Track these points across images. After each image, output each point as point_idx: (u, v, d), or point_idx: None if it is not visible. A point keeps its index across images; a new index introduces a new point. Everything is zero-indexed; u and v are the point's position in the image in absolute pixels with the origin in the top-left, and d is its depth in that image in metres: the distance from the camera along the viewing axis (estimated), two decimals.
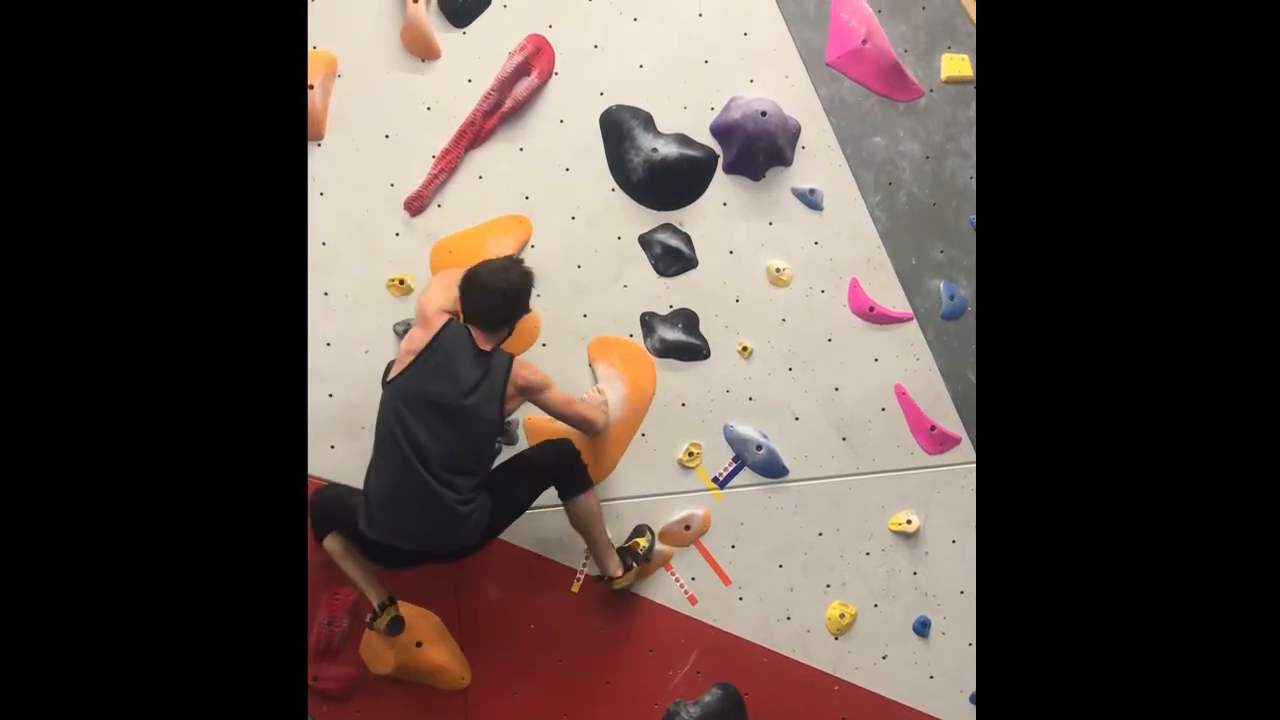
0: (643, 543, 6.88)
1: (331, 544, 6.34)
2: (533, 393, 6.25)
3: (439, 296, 6.23)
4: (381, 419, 6.08)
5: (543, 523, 6.86)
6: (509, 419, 6.54)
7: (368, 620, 6.39)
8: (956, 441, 7.21)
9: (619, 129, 6.87)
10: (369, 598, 6.39)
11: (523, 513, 6.52)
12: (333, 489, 6.53)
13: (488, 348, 6.11)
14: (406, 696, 6.75)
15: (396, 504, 6.02)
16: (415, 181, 6.67)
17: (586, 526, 6.59)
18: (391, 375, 6.07)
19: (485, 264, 6.18)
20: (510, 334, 6.29)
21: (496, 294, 6.09)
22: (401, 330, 6.62)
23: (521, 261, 6.36)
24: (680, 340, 6.98)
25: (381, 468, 6.07)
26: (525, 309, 6.30)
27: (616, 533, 6.92)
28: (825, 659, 7.23)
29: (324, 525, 6.38)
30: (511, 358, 6.19)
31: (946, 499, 7.23)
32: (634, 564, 6.75)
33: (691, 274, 6.99)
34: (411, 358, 6.02)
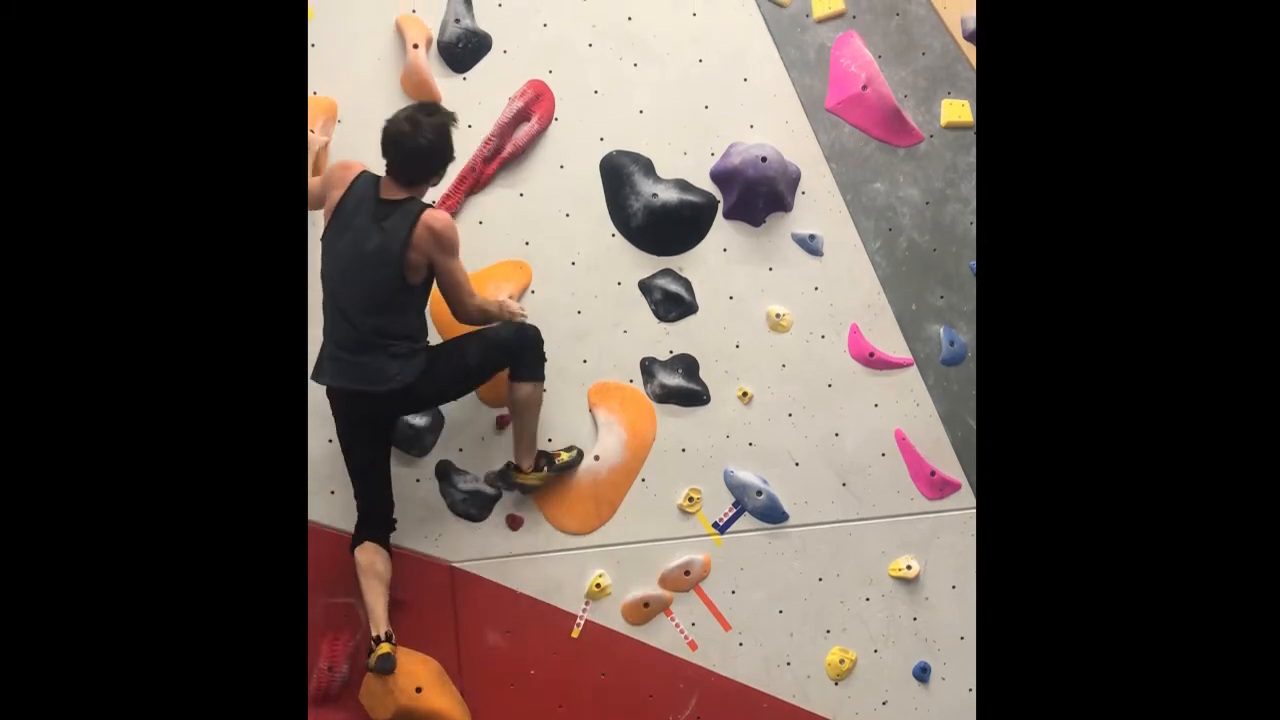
0: (565, 455, 6.87)
1: (361, 555, 6.41)
2: (437, 249, 6.10)
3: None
4: (321, 274, 6.21)
5: (542, 567, 6.88)
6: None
7: (368, 662, 6.38)
8: (957, 487, 7.20)
9: (619, 174, 6.89)
10: (372, 625, 6.39)
11: (473, 382, 6.57)
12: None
13: (400, 196, 6.10)
14: None
15: (335, 349, 6.19)
16: None
17: (522, 414, 6.59)
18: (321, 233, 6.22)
19: (399, 119, 6.07)
20: (427, 186, 6.27)
21: (420, 151, 6.05)
22: None
23: (438, 111, 6.19)
24: (680, 386, 6.98)
25: (325, 322, 6.25)
26: (450, 157, 6.23)
27: (616, 577, 6.92)
28: (825, 705, 7.21)
29: (361, 531, 6.48)
30: (425, 206, 6.15)
31: (947, 544, 7.21)
32: (546, 468, 6.73)
33: (692, 319, 6.99)
34: (330, 216, 6.16)
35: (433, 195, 6.61)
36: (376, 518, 6.50)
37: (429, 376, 6.23)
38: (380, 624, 6.36)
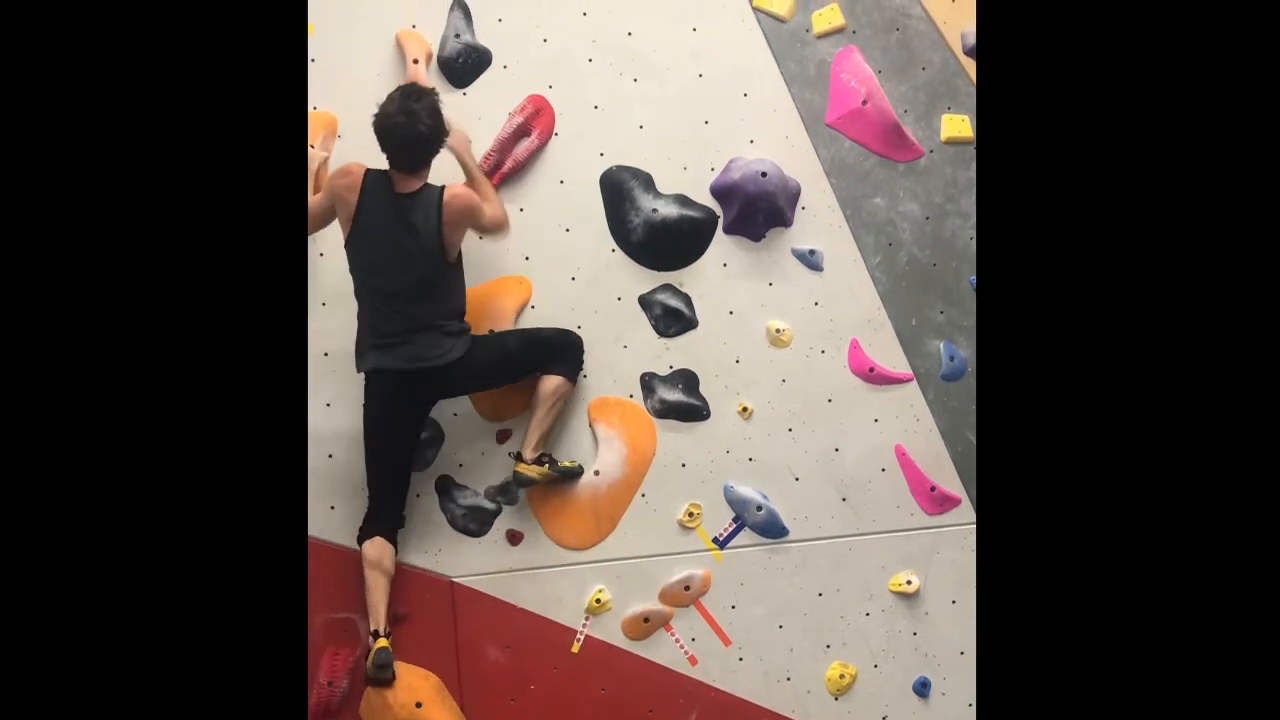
0: (568, 464, 6.88)
1: (370, 549, 6.48)
2: (469, 218, 6.35)
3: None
4: (353, 272, 6.34)
5: (542, 583, 6.89)
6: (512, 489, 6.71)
7: (367, 666, 6.44)
8: (956, 502, 7.20)
9: (619, 189, 6.89)
10: (371, 619, 6.48)
11: (511, 368, 6.68)
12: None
13: (414, 187, 6.23)
14: None
15: (379, 338, 6.34)
16: None
17: (543, 405, 6.67)
18: (344, 239, 6.36)
19: (391, 113, 6.11)
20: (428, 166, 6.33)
21: (422, 138, 6.12)
22: None
23: (425, 94, 6.21)
24: (680, 401, 6.98)
25: (364, 315, 6.41)
26: (447, 131, 6.28)
27: (616, 592, 6.92)
28: (825, 719, 7.20)
29: (372, 526, 6.55)
30: (441, 189, 6.28)
31: (946, 559, 7.21)
32: (547, 465, 6.73)
33: (691, 334, 7.00)
34: (350, 223, 6.25)
35: None
36: (389, 513, 6.57)
37: (472, 357, 6.40)
38: (380, 619, 6.45)
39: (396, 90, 6.19)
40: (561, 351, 6.70)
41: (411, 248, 6.16)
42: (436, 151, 6.24)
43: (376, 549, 6.46)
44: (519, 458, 6.66)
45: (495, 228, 6.50)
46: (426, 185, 6.24)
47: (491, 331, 6.68)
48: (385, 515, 6.54)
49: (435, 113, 6.13)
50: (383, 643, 6.40)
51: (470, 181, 6.48)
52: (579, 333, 6.84)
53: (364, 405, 6.47)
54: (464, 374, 6.44)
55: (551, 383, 6.62)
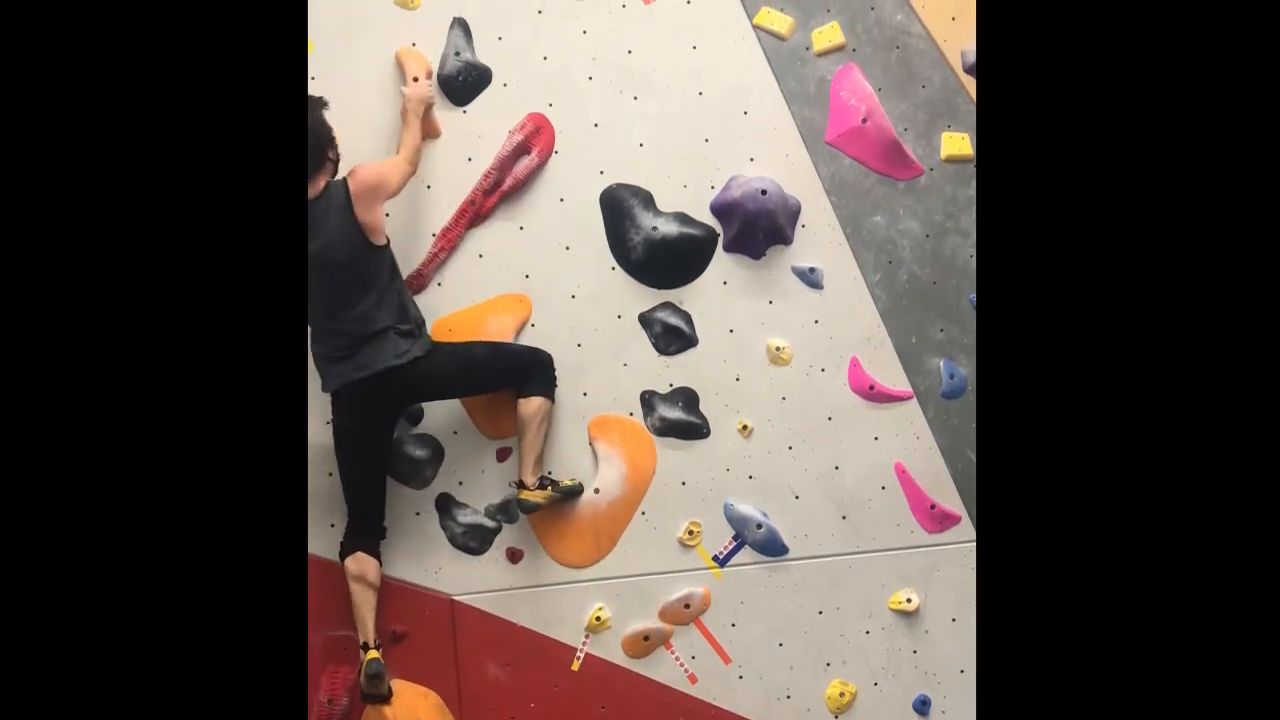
0: (568, 483, 6.87)
1: (352, 564, 6.49)
2: (374, 190, 6.28)
3: None
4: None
5: (542, 601, 6.88)
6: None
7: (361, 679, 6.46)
8: (956, 520, 7.19)
9: (619, 207, 6.89)
10: (360, 633, 6.50)
11: (477, 378, 6.69)
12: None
13: (318, 190, 6.22)
14: None
15: (333, 354, 6.34)
16: (415, 260, 6.72)
17: (529, 429, 6.64)
18: None
19: None
20: (331, 166, 6.32)
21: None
22: None
23: (313, 100, 6.26)
24: (680, 419, 6.98)
25: (314, 343, 6.38)
26: (329, 131, 6.28)
27: (616, 610, 6.91)
28: None
29: (353, 541, 6.55)
30: (343, 178, 6.29)
31: (946, 578, 7.20)
32: (549, 489, 6.72)
33: (691, 352, 7.00)
34: None
35: (433, 228, 6.69)
36: (368, 526, 6.57)
37: (434, 360, 6.40)
38: (369, 632, 6.47)
39: None
40: (533, 370, 6.69)
41: (331, 242, 6.15)
42: (320, 154, 6.23)
43: (358, 564, 6.47)
44: (521, 486, 6.64)
45: (399, 186, 6.45)
46: (327, 184, 6.24)
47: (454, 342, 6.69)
48: (364, 529, 6.55)
49: (315, 118, 6.18)
50: (373, 654, 6.41)
51: (402, 128, 6.53)
52: (579, 351, 6.85)
53: (332, 424, 6.50)
54: (427, 378, 6.45)
55: (532, 405, 6.60)
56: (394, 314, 6.30)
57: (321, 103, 6.24)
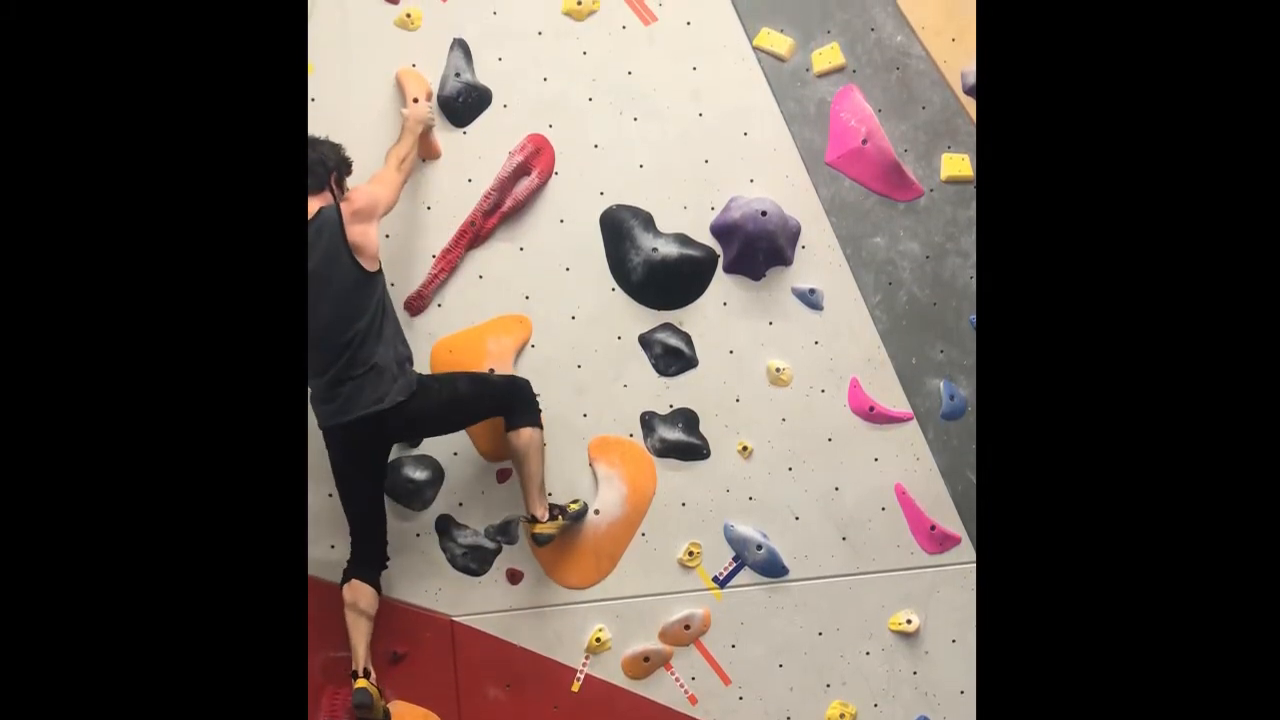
0: (574, 506, 6.84)
1: (347, 592, 6.50)
2: (365, 208, 6.24)
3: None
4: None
5: (543, 622, 6.88)
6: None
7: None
8: (956, 541, 7.18)
9: (619, 228, 6.90)
10: (352, 660, 6.50)
11: (463, 412, 6.63)
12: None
13: (313, 212, 6.15)
14: None
15: (326, 389, 6.25)
16: (415, 281, 6.72)
17: (526, 461, 6.59)
18: None
19: None
20: (337, 188, 6.29)
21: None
22: None
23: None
24: (680, 440, 6.99)
25: (310, 368, 6.18)
26: (338, 151, 6.32)
27: (617, 631, 6.91)
28: None
29: (352, 568, 6.56)
30: (338, 202, 6.23)
31: (946, 599, 7.20)
32: (560, 517, 6.68)
33: (691, 373, 7.00)
34: None
35: (433, 249, 6.69)
36: (369, 557, 6.56)
37: (420, 399, 6.32)
38: (359, 660, 6.46)
39: None
40: (515, 400, 6.62)
41: (325, 265, 6.09)
42: (329, 171, 6.23)
43: (353, 592, 6.47)
44: (533, 520, 6.59)
45: (391, 203, 6.43)
46: (323, 207, 6.16)
47: (437, 374, 6.68)
48: (364, 557, 6.55)
49: (330, 145, 6.23)
50: (362, 683, 6.38)
51: (395, 142, 6.53)
52: (579, 372, 6.86)
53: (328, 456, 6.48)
54: (412, 418, 6.41)
55: (523, 436, 6.54)
56: (382, 351, 6.24)
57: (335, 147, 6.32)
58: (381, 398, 6.19)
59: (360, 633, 6.45)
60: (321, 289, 6.03)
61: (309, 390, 6.26)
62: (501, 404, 6.59)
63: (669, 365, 6.96)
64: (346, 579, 6.50)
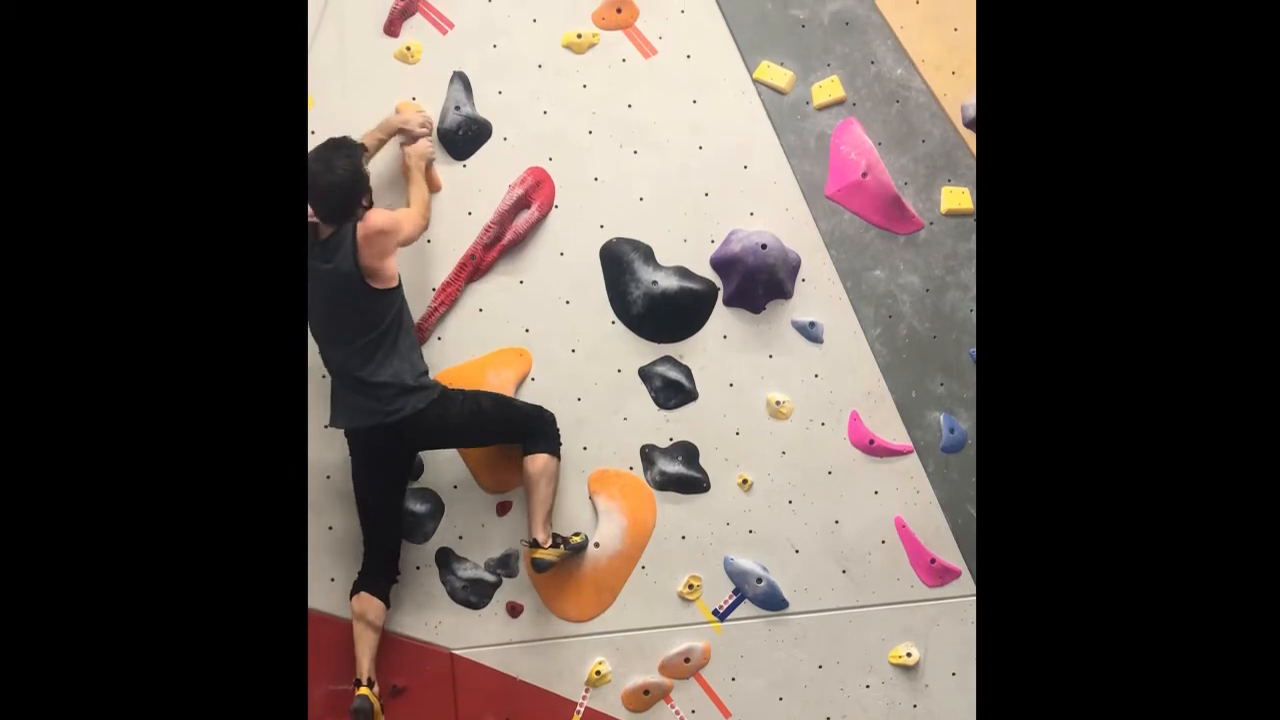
0: (576, 539, 6.82)
1: (356, 603, 6.54)
2: (382, 237, 6.23)
3: None
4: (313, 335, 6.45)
5: (542, 655, 6.89)
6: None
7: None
8: (957, 574, 7.17)
9: (619, 261, 6.90)
10: (355, 668, 6.51)
11: (485, 428, 6.67)
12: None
13: (326, 235, 6.22)
14: None
15: (344, 391, 6.38)
16: (415, 314, 6.69)
17: (537, 487, 6.62)
18: None
19: (311, 160, 6.13)
20: (355, 217, 6.24)
21: (335, 186, 6.12)
22: None
23: (347, 145, 6.28)
24: (680, 473, 6.98)
25: (330, 373, 6.43)
26: (366, 188, 6.29)
27: (617, 664, 6.90)
28: None
29: (362, 579, 6.60)
30: (355, 223, 6.25)
31: (947, 632, 7.19)
32: (562, 545, 6.68)
33: (691, 406, 7.00)
34: None
35: (433, 282, 6.68)
36: (381, 568, 6.60)
37: (440, 408, 6.38)
38: (363, 669, 6.49)
39: (325, 141, 6.25)
40: (539, 427, 6.69)
41: (334, 282, 6.14)
42: (353, 202, 6.22)
43: (361, 603, 6.50)
44: (535, 544, 6.59)
45: (412, 237, 6.46)
46: (342, 229, 6.19)
47: (462, 390, 6.62)
48: (375, 568, 6.58)
49: (354, 165, 6.19)
50: (363, 691, 6.40)
51: (408, 185, 6.57)
52: (579, 405, 6.87)
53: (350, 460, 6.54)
54: (430, 430, 6.44)
55: (538, 462, 6.59)
56: (396, 366, 6.28)
57: (364, 150, 6.34)
58: (398, 410, 6.25)
59: (365, 644, 6.48)
60: (332, 304, 6.18)
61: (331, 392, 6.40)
62: (524, 429, 6.66)
63: (669, 398, 6.96)
64: (356, 590, 6.54)
